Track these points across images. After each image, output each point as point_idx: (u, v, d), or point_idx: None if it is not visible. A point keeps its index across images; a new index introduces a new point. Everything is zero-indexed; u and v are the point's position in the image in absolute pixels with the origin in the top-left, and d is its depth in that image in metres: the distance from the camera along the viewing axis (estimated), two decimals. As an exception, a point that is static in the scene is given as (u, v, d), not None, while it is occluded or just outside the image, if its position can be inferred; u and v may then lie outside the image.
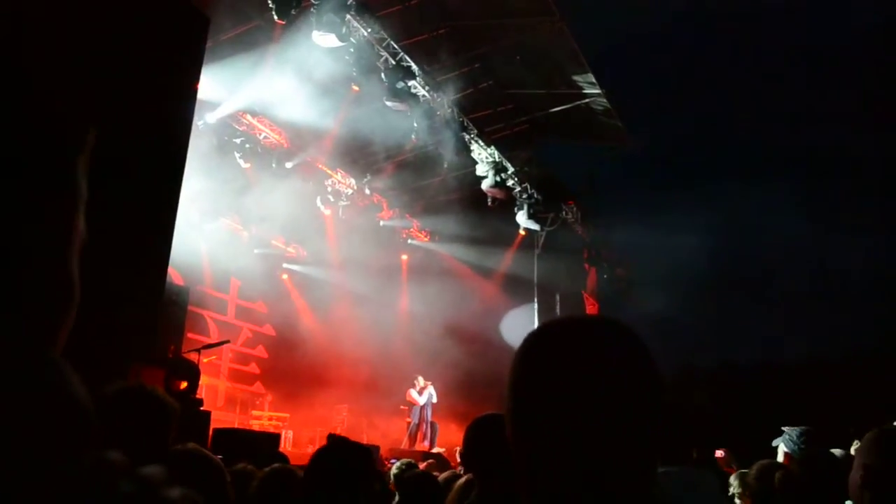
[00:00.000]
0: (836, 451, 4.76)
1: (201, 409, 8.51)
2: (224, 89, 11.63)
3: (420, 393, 13.95)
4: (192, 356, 9.66)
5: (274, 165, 14.24)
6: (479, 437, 2.53)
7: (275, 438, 9.15)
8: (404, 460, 5.20)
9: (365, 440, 14.15)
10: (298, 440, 13.72)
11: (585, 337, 0.98)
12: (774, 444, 3.81)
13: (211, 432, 7.93)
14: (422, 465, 7.11)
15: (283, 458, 4.08)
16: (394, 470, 5.05)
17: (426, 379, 14.21)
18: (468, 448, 2.54)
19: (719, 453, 9.94)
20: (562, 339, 0.99)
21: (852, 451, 4.85)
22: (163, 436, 1.89)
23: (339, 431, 14.62)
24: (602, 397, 0.92)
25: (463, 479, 2.63)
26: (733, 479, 3.48)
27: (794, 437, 3.65)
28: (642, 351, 0.97)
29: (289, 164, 14.41)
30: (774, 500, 2.77)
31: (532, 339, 1.02)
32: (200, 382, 9.57)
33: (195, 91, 7.42)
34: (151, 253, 6.44)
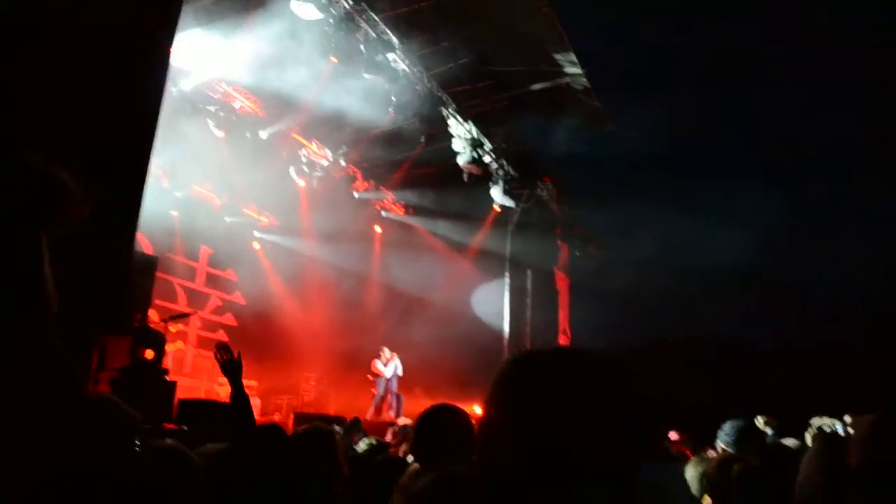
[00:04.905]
0: (789, 441, 4.86)
1: (167, 378, 8.48)
2: (199, 56, 11.39)
3: (385, 364, 14.04)
4: (159, 325, 9.59)
5: (248, 135, 14.04)
6: (427, 430, 2.55)
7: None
8: (373, 439, 5.16)
9: (332, 410, 14.22)
10: (266, 408, 13.75)
11: (566, 367, 0.99)
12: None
13: (176, 402, 7.91)
14: (389, 437, 7.14)
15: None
16: (362, 445, 5.00)
17: (392, 350, 14.27)
18: (418, 440, 2.56)
19: (674, 435, 9.93)
20: (541, 368, 1.01)
21: (808, 442, 4.96)
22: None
23: (305, 400, 14.69)
24: (584, 422, 0.94)
25: (415, 467, 2.64)
26: (689, 468, 3.37)
27: (728, 431, 3.65)
28: (624, 382, 0.98)
29: (263, 134, 14.22)
30: (732, 493, 2.81)
31: (512, 367, 1.03)
32: (167, 349, 9.49)
33: (168, 56, 7.24)
34: (119, 221, 6.33)
